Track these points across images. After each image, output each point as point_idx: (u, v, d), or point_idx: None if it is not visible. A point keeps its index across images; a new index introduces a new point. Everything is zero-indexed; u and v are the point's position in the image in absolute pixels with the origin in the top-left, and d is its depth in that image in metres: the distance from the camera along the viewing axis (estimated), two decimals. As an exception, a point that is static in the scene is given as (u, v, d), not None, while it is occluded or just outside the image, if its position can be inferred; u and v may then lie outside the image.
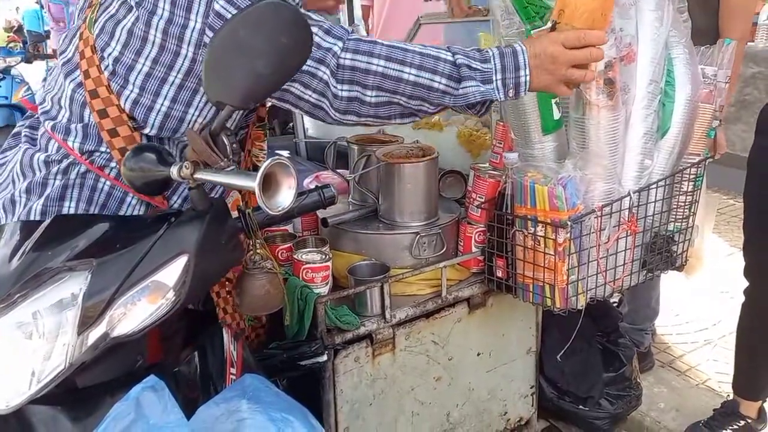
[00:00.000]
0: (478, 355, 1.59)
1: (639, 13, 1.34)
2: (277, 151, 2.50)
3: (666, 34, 1.37)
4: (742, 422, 1.87)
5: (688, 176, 1.48)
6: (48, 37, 6.21)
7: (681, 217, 1.51)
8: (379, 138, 1.74)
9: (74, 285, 0.84)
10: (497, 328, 1.61)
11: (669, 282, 2.54)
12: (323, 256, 1.39)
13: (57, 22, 6.36)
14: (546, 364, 1.73)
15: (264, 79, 0.80)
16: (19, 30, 7.15)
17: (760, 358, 1.87)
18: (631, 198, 1.36)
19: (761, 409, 1.92)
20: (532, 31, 1.28)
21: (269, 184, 0.80)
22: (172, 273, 0.84)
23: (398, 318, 1.41)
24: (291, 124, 2.67)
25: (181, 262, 0.84)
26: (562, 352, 1.57)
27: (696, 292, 2.92)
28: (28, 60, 5.11)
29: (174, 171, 0.84)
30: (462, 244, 1.54)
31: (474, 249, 1.51)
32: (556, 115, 1.35)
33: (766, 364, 1.87)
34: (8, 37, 6.65)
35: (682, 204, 1.50)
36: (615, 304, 2.40)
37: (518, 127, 1.40)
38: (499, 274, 1.45)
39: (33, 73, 5.78)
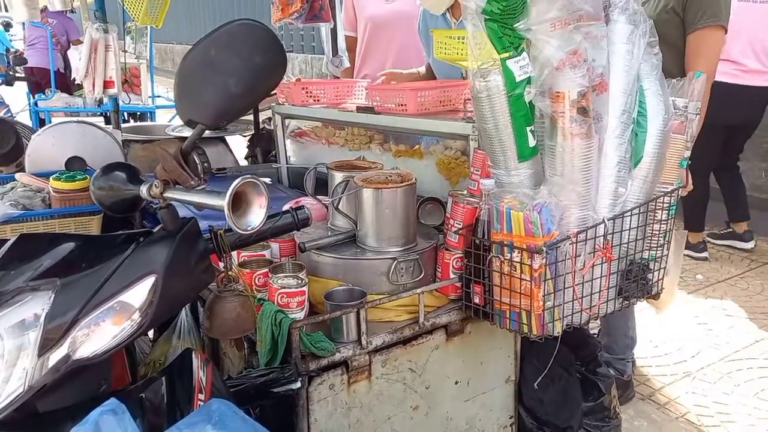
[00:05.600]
0: (456, 383, 1.57)
1: (611, 45, 1.38)
2: (260, 179, 2.50)
3: (637, 66, 1.41)
4: None
5: (661, 205, 1.50)
6: (18, 55, 6.21)
7: (656, 245, 1.52)
8: (359, 164, 1.75)
9: (37, 305, 0.82)
10: (475, 356, 1.59)
11: (648, 314, 2.57)
12: (299, 281, 1.37)
13: (32, 43, 6.40)
14: (525, 393, 1.71)
15: (236, 99, 0.80)
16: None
17: None
18: (605, 225, 1.38)
19: None
20: (506, 62, 1.33)
21: (240, 203, 0.80)
22: (138, 294, 0.82)
23: (375, 344, 1.39)
24: (273, 152, 2.68)
25: (149, 282, 0.83)
26: (540, 379, 1.56)
27: (675, 325, 2.93)
28: (8, 82, 5.10)
29: (144, 190, 0.83)
30: (440, 270, 1.53)
31: (452, 275, 1.50)
32: (531, 142, 1.37)
33: None
34: None
35: (657, 232, 1.51)
36: (594, 334, 2.41)
37: (494, 154, 1.41)
38: (477, 300, 1.44)
39: (14, 95, 5.77)
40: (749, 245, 3.88)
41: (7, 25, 6.20)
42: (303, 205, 1.09)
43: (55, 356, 0.81)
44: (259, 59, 0.79)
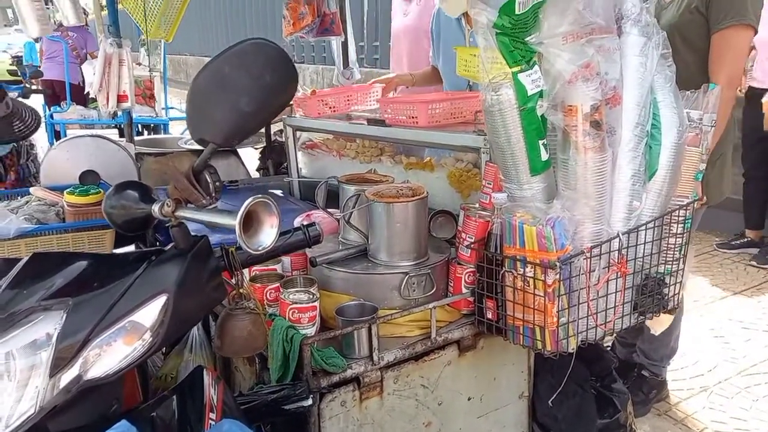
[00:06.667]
0: (469, 399, 1.55)
1: (623, 58, 1.37)
2: (270, 191, 2.50)
3: (651, 79, 1.40)
4: None
5: (677, 218, 1.48)
6: (35, 69, 6.33)
7: (671, 259, 1.50)
8: (370, 178, 1.74)
9: (49, 325, 0.82)
10: (488, 371, 1.58)
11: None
12: (310, 296, 1.37)
13: (51, 56, 6.52)
14: (539, 410, 1.69)
15: (247, 117, 0.80)
16: (20, 63, 7.35)
17: None
18: (620, 239, 1.36)
19: None
20: (518, 76, 1.32)
21: (251, 222, 0.79)
22: (150, 313, 0.82)
23: (386, 360, 1.38)
24: (285, 164, 2.69)
25: (160, 302, 0.82)
26: (554, 396, 1.53)
27: (690, 338, 2.88)
28: (25, 95, 5.16)
29: (156, 209, 0.83)
30: (452, 284, 1.52)
31: (464, 290, 1.49)
32: (544, 156, 1.35)
33: None
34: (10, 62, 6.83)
35: (672, 246, 1.49)
36: (608, 348, 2.38)
37: (507, 168, 1.40)
38: (489, 315, 1.43)
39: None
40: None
41: (37, 39, 6.34)
42: (314, 222, 1.09)
43: (67, 376, 0.81)
44: (270, 78, 0.79)
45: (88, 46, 6.50)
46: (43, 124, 5.68)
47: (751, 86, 3.89)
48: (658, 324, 1.70)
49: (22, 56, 7.70)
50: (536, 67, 1.32)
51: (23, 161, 3.87)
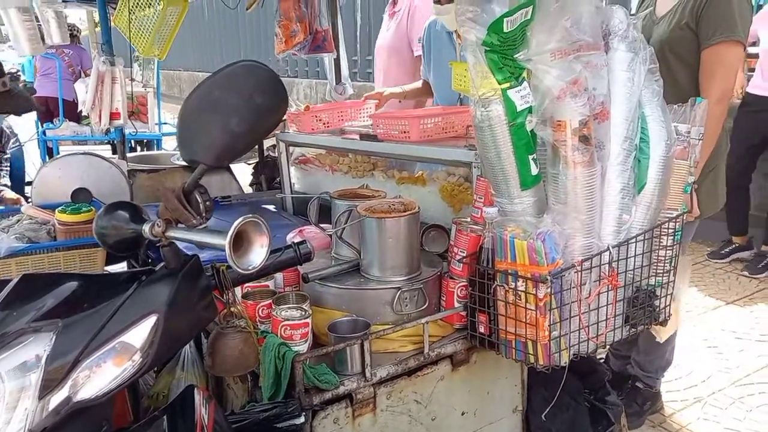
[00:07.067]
0: (463, 414, 1.55)
1: (611, 73, 1.39)
2: (263, 206, 2.51)
3: (638, 94, 1.42)
4: None
5: (666, 230, 1.49)
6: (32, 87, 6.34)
7: (662, 271, 1.51)
8: (362, 193, 1.75)
9: (38, 346, 0.82)
10: (482, 386, 1.57)
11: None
12: (302, 313, 1.36)
13: (46, 73, 6.54)
14: (533, 423, 1.68)
15: (238, 138, 0.81)
16: (16, 79, 7.34)
17: None
18: (610, 253, 1.37)
19: None
20: (507, 92, 1.33)
21: (241, 242, 0.79)
22: (139, 334, 0.82)
23: (379, 376, 1.38)
24: (278, 180, 2.69)
25: (150, 322, 0.82)
26: (548, 409, 1.53)
27: (684, 348, 2.89)
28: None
29: (146, 229, 0.83)
30: (444, 299, 1.52)
31: (456, 304, 1.49)
32: (534, 170, 1.37)
33: None
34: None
35: (663, 258, 1.50)
36: (602, 360, 2.38)
37: (497, 182, 1.41)
38: (482, 329, 1.43)
39: (23, 124, 5.84)
40: (754, 251, 3.99)
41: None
42: (305, 240, 1.09)
43: (56, 399, 0.80)
44: (261, 99, 0.80)
45: (84, 63, 6.52)
46: (35, 140, 5.67)
47: (749, 92, 3.87)
48: (663, 332, 1.69)
49: (14, 73, 7.70)
50: (525, 84, 1.34)
51: (4, 140, 3.90)
